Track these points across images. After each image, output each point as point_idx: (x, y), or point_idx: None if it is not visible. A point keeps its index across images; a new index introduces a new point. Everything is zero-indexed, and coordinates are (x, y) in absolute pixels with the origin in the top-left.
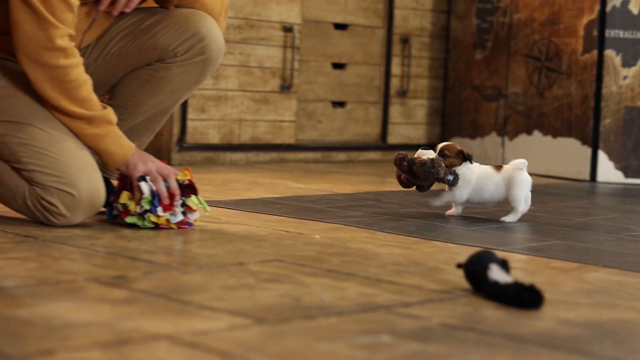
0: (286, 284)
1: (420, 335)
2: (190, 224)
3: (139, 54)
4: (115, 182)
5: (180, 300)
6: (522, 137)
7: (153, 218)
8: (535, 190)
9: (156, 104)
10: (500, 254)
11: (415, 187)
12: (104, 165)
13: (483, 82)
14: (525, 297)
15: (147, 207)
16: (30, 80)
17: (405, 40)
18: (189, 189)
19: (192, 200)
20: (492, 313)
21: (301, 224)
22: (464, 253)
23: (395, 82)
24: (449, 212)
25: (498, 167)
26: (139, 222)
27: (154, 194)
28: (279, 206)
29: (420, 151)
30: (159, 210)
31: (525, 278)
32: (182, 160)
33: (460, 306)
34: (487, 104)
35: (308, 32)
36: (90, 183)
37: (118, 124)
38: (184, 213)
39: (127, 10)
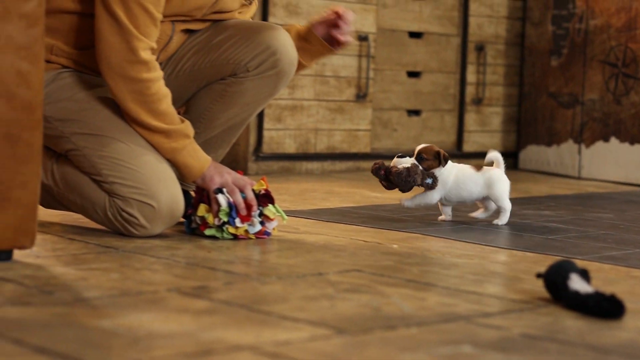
0: (366, 294)
1: (502, 346)
2: (268, 233)
3: (212, 69)
4: (193, 194)
5: (261, 310)
6: (599, 144)
7: (231, 230)
8: (613, 198)
9: (230, 117)
10: (580, 263)
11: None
12: (181, 178)
13: (559, 88)
14: (606, 307)
15: (225, 219)
16: (112, 92)
17: (480, 48)
18: (265, 198)
19: (270, 210)
20: (573, 323)
21: (379, 233)
22: (543, 262)
23: (470, 90)
24: (440, 217)
25: (478, 167)
26: (218, 234)
27: (231, 206)
28: (356, 216)
29: (396, 160)
30: (237, 221)
31: (605, 288)
32: (258, 170)
33: (540, 316)
34: (563, 110)
35: (383, 40)
36: (169, 194)
37: (194, 138)
38: (261, 223)
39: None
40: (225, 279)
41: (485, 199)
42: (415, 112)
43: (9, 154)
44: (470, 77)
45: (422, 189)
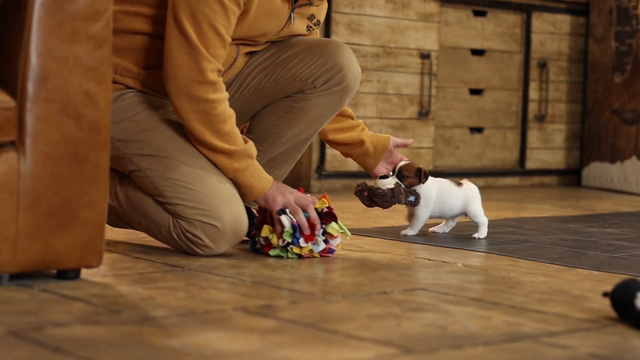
0: (431, 312)
1: None
2: (332, 251)
3: (277, 87)
4: (255, 212)
5: (327, 329)
6: None
7: (296, 250)
8: None
9: (296, 133)
10: None
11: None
12: (242, 198)
13: (622, 105)
14: None
15: (289, 239)
16: (177, 111)
17: (542, 65)
18: (328, 216)
19: (333, 227)
20: None
21: (443, 251)
22: (609, 281)
23: (533, 107)
24: (432, 228)
25: (458, 183)
26: (283, 254)
27: (295, 227)
28: (419, 234)
29: (379, 181)
30: (301, 241)
31: None
32: (321, 188)
33: (607, 335)
34: (627, 127)
35: (445, 58)
36: (233, 214)
37: (258, 156)
38: (325, 241)
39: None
40: (290, 297)
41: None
42: (477, 130)
43: (77, 173)
44: (533, 94)
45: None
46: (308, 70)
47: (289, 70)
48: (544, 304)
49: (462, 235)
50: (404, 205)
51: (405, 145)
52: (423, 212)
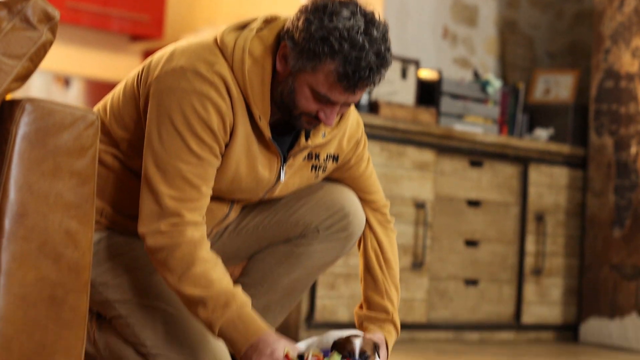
0: None
1: None
2: None
3: (279, 229)
4: None
5: None
6: None
7: None
8: None
9: (294, 280)
10: None
11: None
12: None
13: (622, 260)
14: None
15: None
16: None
17: (540, 218)
18: None
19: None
20: None
21: None
22: None
23: (529, 261)
24: None
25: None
26: None
27: None
28: None
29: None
30: None
31: None
32: None
33: None
34: (626, 283)
35: (440, 208)
36: None
37: (253, 303)
38: None
39: None
40: None
41: None
42: (472, 282)
43: (53, 317)
44: (530, 247)
45: None
46: (313, 215)
47: (293, 213)
48: None
49: None
50: None
51: None
52: None
